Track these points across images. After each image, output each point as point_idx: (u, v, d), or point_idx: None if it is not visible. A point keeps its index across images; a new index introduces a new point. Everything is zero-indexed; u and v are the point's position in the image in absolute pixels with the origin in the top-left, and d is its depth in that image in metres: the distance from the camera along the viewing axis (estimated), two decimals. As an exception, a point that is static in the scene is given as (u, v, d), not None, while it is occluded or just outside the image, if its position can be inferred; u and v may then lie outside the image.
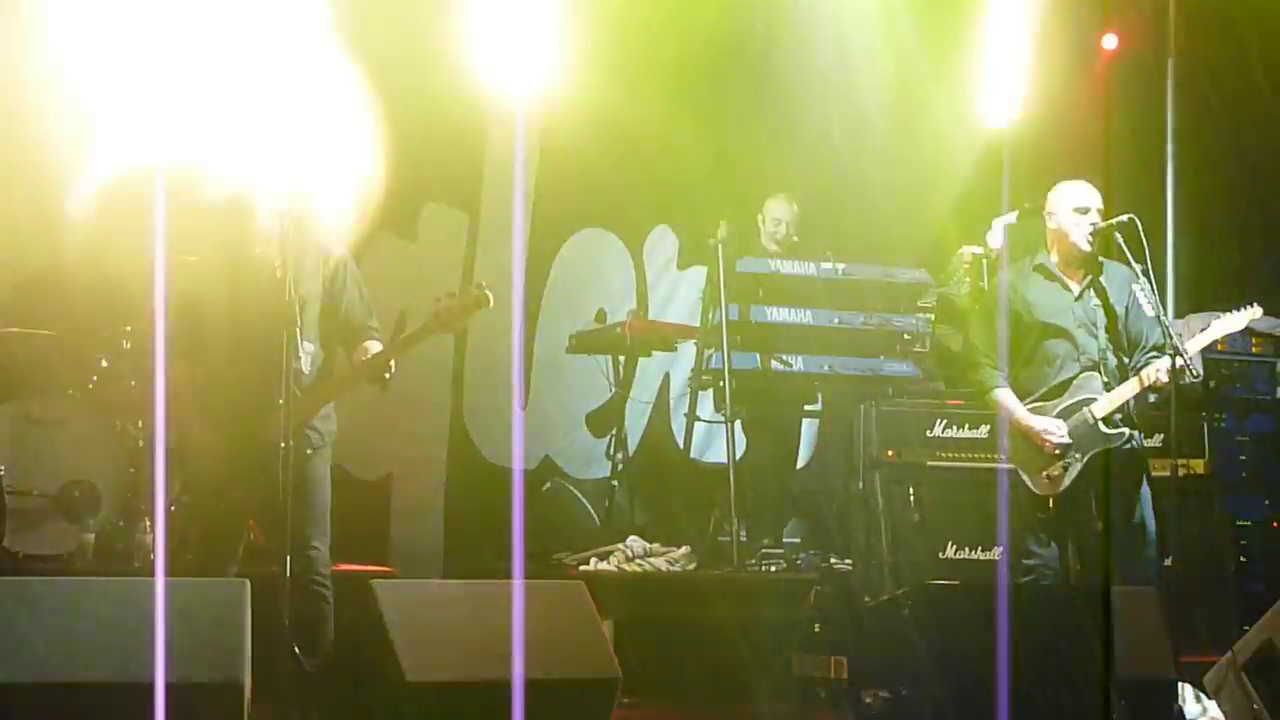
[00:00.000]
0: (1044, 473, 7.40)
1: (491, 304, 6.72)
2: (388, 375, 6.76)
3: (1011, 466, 7.58)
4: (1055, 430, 7.36)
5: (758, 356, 9.76)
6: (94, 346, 9.11)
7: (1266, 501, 9.78)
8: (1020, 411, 7.47)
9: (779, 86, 11.53)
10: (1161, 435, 7.90)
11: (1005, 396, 7.53)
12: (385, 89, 9.84)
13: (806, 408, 10.66)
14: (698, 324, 10.30)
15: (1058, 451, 7.36)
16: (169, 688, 5.53)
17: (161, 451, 6.96)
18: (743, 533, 9.53)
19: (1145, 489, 7.42)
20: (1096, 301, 7.49)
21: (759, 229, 10.40)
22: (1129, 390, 7.37)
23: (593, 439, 11.29)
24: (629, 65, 10.74)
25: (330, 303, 6.88)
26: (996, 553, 8.78)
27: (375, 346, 6.88)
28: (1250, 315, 7.58)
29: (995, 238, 10.12)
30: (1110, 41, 11.29)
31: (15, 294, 8.88)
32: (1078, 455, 7.35)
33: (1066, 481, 7.37)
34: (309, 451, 6.72)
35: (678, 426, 11.24)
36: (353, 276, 6.97)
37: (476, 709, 5.94)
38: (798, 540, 9.89)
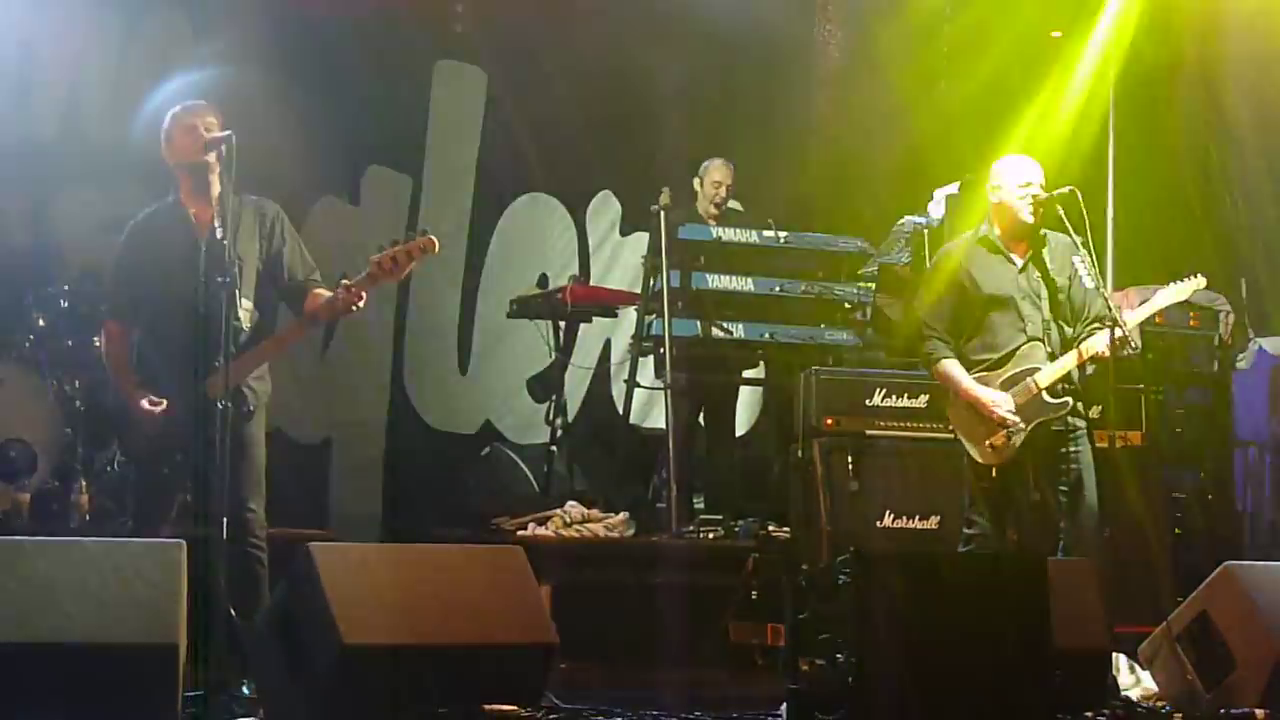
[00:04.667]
0: (987, 442, 7.42)
1: (438, 250, 6.70)
2: (357, 308, 6.71)
3: (955, 436, 7.59)
4: (1002, 402, 7.38)
5: (698, 323, 9.77)
6: (31, 305, 9.04)
7: (1202, 474, 9.84)
8: (967, 382, 7.49)
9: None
10: (1099, 407, 7.93)
11: (952, 367, 7.54)
12: (329, 51, 9.81)
13: (747, 375, 10.67)
14: (639, 290, 10.28)
15: (1005, 423, 7.37)
16: (104, 649, 5.51)
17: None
18: (682, 499, 9.53)
19: (1088, 459, 7.45)
20: (1039, 273, 7.52)
21: (696, 192, 10.37)
22: (1070, 361, 7.40)
23: (533, 404, 11.27)
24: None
25: (269, 261, 6.84)
26: (934, 521, 8.82)
27: (325, 294, 6.83)
28: (1194, 286, 7.61)
29: (936, 208, 10.14)
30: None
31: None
32: (1021, 425, 7.38)
33: (1010, 451, 7.40)
34: (246, 410, 6.68)
35: (618, 393, 11.22)
36: (290, 233, 6.94)
37: (414, 672, 5.93)
38: (736, 507, 9.88)
